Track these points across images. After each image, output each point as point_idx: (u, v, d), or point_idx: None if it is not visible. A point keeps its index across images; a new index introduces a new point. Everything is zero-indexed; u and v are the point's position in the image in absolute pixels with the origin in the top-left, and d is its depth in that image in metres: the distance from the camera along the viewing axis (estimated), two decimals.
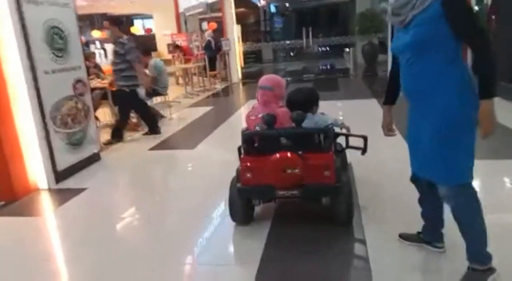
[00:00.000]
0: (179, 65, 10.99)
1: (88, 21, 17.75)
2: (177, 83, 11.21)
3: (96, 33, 16.12)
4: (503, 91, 6.72)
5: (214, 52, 11.11)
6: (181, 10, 14.30)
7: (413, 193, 2.26)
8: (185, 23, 14.81)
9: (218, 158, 4.52)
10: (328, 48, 18.71)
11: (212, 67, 10.85)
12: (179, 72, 10.99)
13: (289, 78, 11.11)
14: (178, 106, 8.07)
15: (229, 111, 7.55)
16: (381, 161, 3.82)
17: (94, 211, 3.41)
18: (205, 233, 2.80)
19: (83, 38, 15.43)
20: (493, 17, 9.40)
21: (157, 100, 7.19)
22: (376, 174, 3.58)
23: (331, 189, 2.53)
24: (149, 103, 6.55)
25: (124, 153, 5.08)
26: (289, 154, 2.38)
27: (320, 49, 19.01)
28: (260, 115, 2.67)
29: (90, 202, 3.61)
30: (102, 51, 11.09)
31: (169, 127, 6.24)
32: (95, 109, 6.71)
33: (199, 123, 6.58)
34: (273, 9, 21.03)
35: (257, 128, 2.67)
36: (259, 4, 17.36)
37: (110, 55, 11.00)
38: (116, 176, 4.34)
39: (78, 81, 4.35)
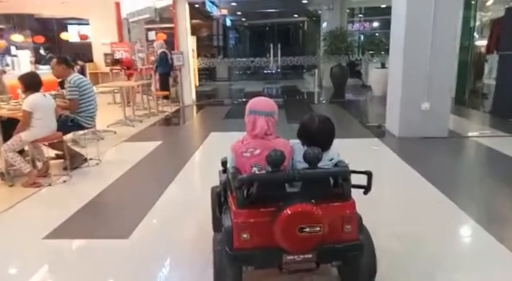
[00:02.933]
0: (121, 82, 8.74)
1: (11, 22, 14.94)
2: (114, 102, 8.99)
3: (16, 37, 13.45)
4: None
5: (169, 68, 8.95)
6: (123, 15, 11.96)
7: None
8: (129, 31, 12.48)
9: (172, 257, 2.47)
10: (287, 69, 17.37)
11: (165, 85, 8.72)
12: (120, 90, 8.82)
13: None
14: (112, 139, 5.85)
15: (186, 149, 5.43)
16: None
17: None
18: None
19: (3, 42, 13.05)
20: None
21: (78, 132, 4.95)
22: None
23: (353, 247, 1.90)
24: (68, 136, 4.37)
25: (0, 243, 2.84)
26: (309, 207, 1.73)
27: (279, 69, 17.66)
28: (257, 152, 2.01)
29: None
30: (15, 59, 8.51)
31: (90, 183, 4.03)
32: None
33: (140, 174, 4.38)
34: (228, 22, 19.29)
35: (255, 169, 1.98)
36: (215, 15, 15.43)
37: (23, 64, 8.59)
38: None
39: None
